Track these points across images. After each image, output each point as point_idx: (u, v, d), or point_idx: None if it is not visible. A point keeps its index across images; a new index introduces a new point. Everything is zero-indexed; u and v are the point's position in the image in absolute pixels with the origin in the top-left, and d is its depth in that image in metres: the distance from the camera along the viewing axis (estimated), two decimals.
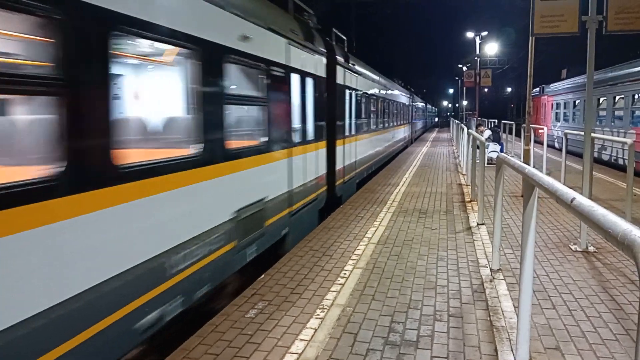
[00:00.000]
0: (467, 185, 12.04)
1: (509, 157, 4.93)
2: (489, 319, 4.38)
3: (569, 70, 26.88)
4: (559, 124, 24.78)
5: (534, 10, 6.91)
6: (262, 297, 4.95)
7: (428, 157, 20.75)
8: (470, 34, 31.10)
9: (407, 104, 29.03)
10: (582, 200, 2.14)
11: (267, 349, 3.87)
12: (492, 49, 38.22)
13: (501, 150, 17.08)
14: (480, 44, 30.14)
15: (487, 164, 13.18)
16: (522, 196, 10.31)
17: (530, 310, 3.58)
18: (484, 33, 30.48)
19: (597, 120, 18.97)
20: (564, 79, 26.49)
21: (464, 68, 41.83)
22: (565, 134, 11.45)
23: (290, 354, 3.77)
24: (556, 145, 24.21)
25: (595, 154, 18.09)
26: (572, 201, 2.22)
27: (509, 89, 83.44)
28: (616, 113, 17.56)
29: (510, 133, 21.17)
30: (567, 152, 11.70)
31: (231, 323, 4.35)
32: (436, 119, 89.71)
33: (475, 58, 29.62)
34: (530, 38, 9.81)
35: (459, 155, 19.57)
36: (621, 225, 1.70)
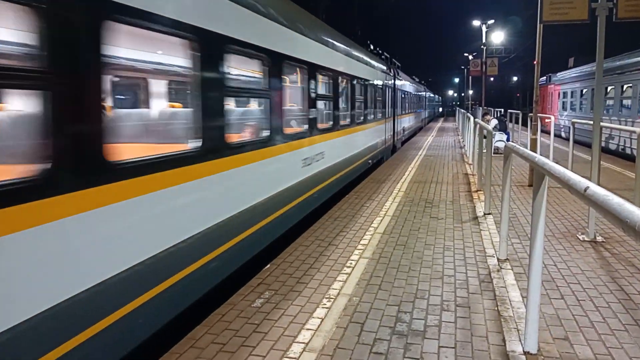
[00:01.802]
0: (473, 174, 11.97)
1: (517, 146, 4.87)
2: (496, 309, 4.35)
3: (577, 59, 26.64)
4: (565, 113, 24.59)
5: None
6: (269, 287, 4.93)
7: (433, 147, 20.65)
8: (476, 23, 30.83)
9: (380, 84, 16.11)
10: (596, 190, 2.10)
11: (274, 338, 3.86)
12: (498, 37, 37.94)
13: (507, 140, 16.96)
14: (486, 32, 29.85)
15: (494, 153, 13.11)
16: (529, 186, 10.29)
17: (539, 300, 3.55)
18: (491, 21, 30.18)
19: (605, 109, 18.80)
20: (571, 68, 26.26)
21: (470, 57, 41.55)
22: (573, 123, 11.34)
23: (297, 343, 3.76)
24: (562, 134, 24.04)
25: (603, 143, 17.94)
26: (585, 190, 2.17)
27: (514, 78, 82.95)
28: (624, 102, 17.40)
29: (517, 122, 21.03)
30: (574, 141, 11.60)
31: (237, 312, 4.34)
32: (440, 109, 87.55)
33: (482, 47, 29.36)
34: (538, 25, 9.69)
35: (464, 145, 19.47)
36: (639, 214, 1.66)
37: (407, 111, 25.76)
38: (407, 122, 25.82)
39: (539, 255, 3.51)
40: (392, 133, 18.92)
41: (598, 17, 6.42)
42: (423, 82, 46.53)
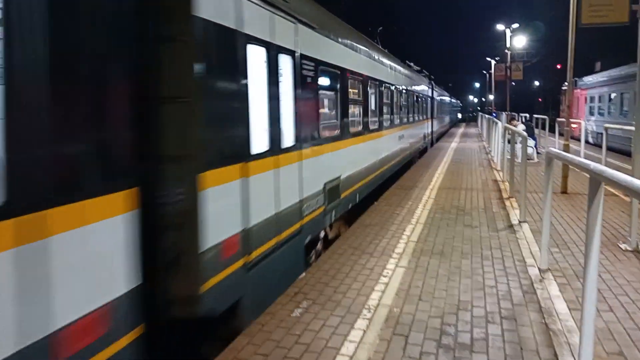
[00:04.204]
0: (502, 181, 11.76)
1: (564, 153, 4.73)
2: (543, 321, 4.21)
3: (603, 63, 26.18)
4: (593, 118, 24.14)
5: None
6: (306, 296, 4.86)
7: (458, 152, 20.41)
8: (500, 27, 30.47)
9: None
10: None
11: (317, 349, 3.77)
12: (520, 42, 37.50)
13: (535, 145, 16.69)
14: (510, 36, 29.52)
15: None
16: (562, 193, 10.05)
17: (595, 313, 3.41)
18: (515, 25, 29.81)
19: (624, 114, 18.52)
20: (597, 72, 25.80)
21: (493, 61, 41.13)
22: (606, 129, 11.08)
23: (342, 356, 3.67)
24: (590, 139, 23.59)
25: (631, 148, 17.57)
26: None
27: (536, 83, 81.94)
28: None
29: (544, 128, 20.73)
30: (599, 146, 11.33)
31: (277, 322, 4.27)
32: (460, 115, 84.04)
33: (506, 51, 29.01)
34: (570, 28, 9.49)
35: (490, 151, 19.21)
36: None
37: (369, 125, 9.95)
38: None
39: (594, 267, 3.37)
40: None
41: (639, 20, 6.24)
42: (430, 76, 28.80)
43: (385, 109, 11.80)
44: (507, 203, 9.17)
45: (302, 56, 5.92)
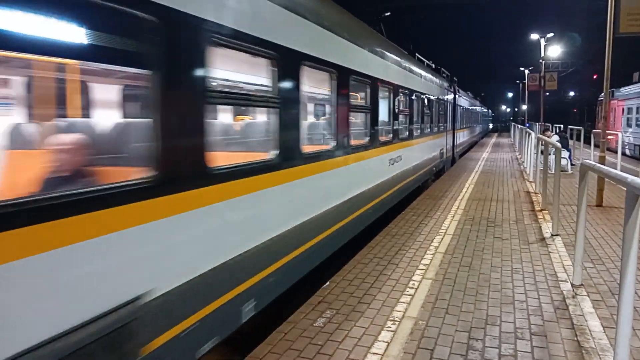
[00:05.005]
0: (535, 193, 11.47)
1: (599, 165, 4.56)
2: (576, 339, 4.04)
3: None
4: (630, 130, 23.45)
5: (620, 8, 6.45)
6: (329, 306, 4.79)
7: (490, 162, 20.04)
8: (534, 36, 29.89)
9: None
10: None
11: None
12: (554, 51, 36.77)
13: (569, 157, 16.29)
14: (544, 46, 28.94)
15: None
16: (597, 206, 9.74)
17: (630, 332, 3.26)
18: (550, 34, 29.21)
19: None
20: (636, 83, 25.06)
21: (527, 71, 40.37)
22: None
23: None
24: (627, 152, 22.92)
25: None
26: None
27: (571, 93, 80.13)
28: None
29: (579, 139, 20.21)
30: (637, 158, 10.94)
31: (300, 332, 4.22)
32: (490, 125, 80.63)
33: (540, 60, 28.45)
34: (607, 38, 9.23)
35: (523, 162, 18.81)
36: None
37: None
38: None
39: (630, 283, 3.22)
40: None
41: None
42: (453, 78, 23.39)
43: (360, 118, 7.74)
44: (540, 215, 8.92)
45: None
